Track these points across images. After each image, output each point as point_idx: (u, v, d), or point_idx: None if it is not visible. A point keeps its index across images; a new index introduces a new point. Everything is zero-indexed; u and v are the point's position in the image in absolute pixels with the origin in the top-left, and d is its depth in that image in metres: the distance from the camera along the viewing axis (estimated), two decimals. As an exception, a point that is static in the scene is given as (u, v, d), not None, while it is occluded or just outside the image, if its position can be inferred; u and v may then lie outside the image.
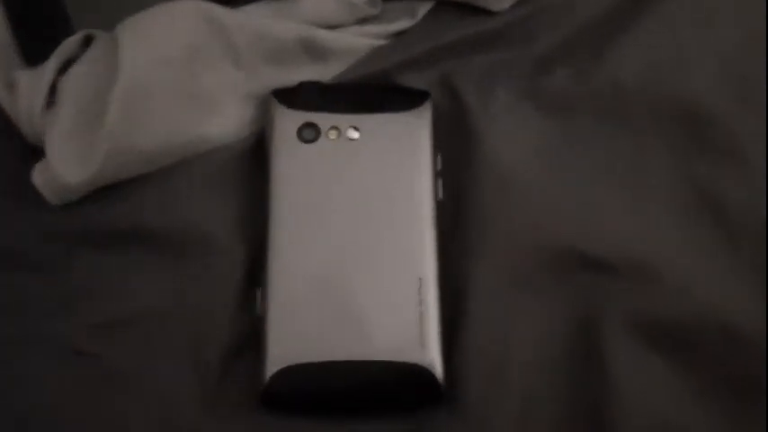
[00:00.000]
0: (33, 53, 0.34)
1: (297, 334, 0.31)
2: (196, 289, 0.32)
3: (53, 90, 0.33)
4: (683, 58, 0.35)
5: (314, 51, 0.35)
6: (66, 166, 0.31)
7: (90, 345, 0.31)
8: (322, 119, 0.34)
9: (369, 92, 0.35)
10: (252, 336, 0.31)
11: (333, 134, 0.34)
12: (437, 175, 0.33)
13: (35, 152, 0.33)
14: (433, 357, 0.31)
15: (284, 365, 0.30)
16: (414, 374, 0.30)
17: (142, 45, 0.32)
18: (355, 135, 0.34)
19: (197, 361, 0.31)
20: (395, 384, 0.31)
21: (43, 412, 0.30)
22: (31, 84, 0.32)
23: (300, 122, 0.34)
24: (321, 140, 0.34)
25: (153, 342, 0.31)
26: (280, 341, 0.31)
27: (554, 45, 0.36)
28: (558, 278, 0.32)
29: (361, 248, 0.32)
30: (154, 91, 0.32)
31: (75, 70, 0.32)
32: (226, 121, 0.34)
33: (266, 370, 0.30)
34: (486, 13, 0.36)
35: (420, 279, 0.32)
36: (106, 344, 0.31)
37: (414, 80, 0.35)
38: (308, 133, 0.34)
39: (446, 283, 0.32)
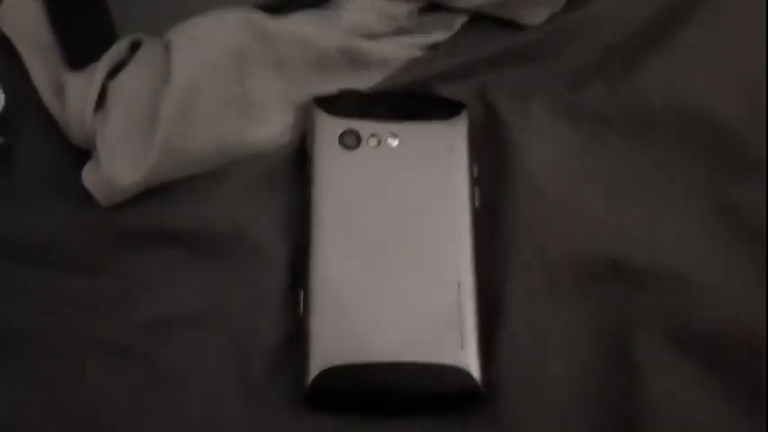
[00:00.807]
0: (78, 57, 0.35)
1: (339, 335, 0.31)
2: (239, 290, 0.32)
3: (103, 93, 0.33)
4: (711, 76, 0.36)
5: (354, 61, 0.36)
6: (117, 168, 0.32)
7: (135, 347, 0.31)
8: (362, 126, 0.34)
9: (407, 101, 0.36)
10: (295, 336, 0.32)
11: (373, 141, 0.34)
12: (474, 182, 0.34)
13: (81, 152, 0.34)
14: (472, 360, 0.31)
15: (327, 366, 0.31)
16: (453, 376, 0.31)
17: (194, 49, 0.33)
18: (395, 142, 0.35)
19: (241, 361, 0.31)
20: (434, 386, 0.31)
21: (87, 411, 0.30)
22: (81, 87, 0.33)
23: (341, 129, 0.34)
24: (362, 147, 0.34)
25: (197, 343, 0.32)
26: (322, 342, 0.31)
27: (586, 60, 0.36)
28: (590, 287, 0.33)
29: (401, 252, 0.33)
30: (204, 94, 0.33)
31: (127, 73, 0.33)
32: (269, 127, 0.35)
33: (310, 371, 0.31)
34: (521, 27, 0.37)
35: (459, 283, 0.32)
36: (151, 344, 0.31)
37: (449, 91, 0.36)
38: (349, 140, 0.34)
39: (484, 286, 0.32)
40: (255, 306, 0.32)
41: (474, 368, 0.31)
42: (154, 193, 0.33)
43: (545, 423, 0.31)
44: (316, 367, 0.31)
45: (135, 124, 0.32)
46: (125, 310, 0.32)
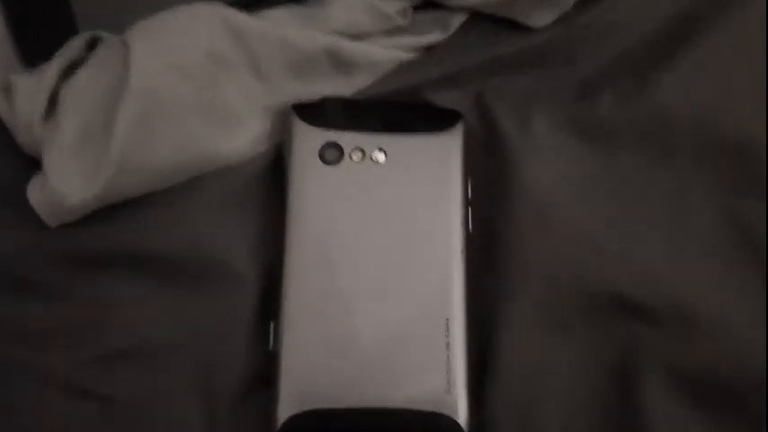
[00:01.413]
0: (33, 53, 0.31)
1: (312, 376, 0.28)
2: (206, 320, 0.30)
3: (54, 97, 0.30)
4: (730, 90, 0.33)
5: (339, 63, 0.32)
6: (66, 184, 0.29)
7: (92, 381, 0.29)
8: (346, 138, 0.31)
9: (397, 110, 0.32)
10: (265, 373, 0.29)
11: (357, 156, 0.31)
12: (468, 204, 0.31)
13: (33, 162, 0.30)
14: (459, 406, 0.28)
15: (298, 411, 0.28)
16: (438, 425, 0.28)
17: (155, 51, 0.29)
18: (381, 157, 0.31)
19: (206, 399, 0.29)
20: (417, 434, 0.28)
21: None
22: (31, 88, 0.29)
23: (322, 142, 0.31)
24: (344, 162, 0.31)
25: (159, 378, 0.29)
26: (293, 383, 0.28)
27: (596, 69, 0.33)
28: (594, 322, 0.30)
29: (385, 284, 0.30)
30: (167, 101, 0.29)
31: (81, 76, 0.30)
32: (243, 137, 0.31)
33: (278, 415, 0.28)
34: (525, 29, 0.34)
35: (447, 320, 0.29)
36: (109, 379, 0.29)
37: (445, 99, 0.33)
38: (331, 154, 0.31)
39: (475, 323, 0.30)
40: (224, 338, 0.30)
41: (461, 414, 0.28)
42: (114, 210, 0.30)
43: None
44: (285, 411, 0.28)
45: (88, 134, 0.29)
46: (81, 341, 0.29)
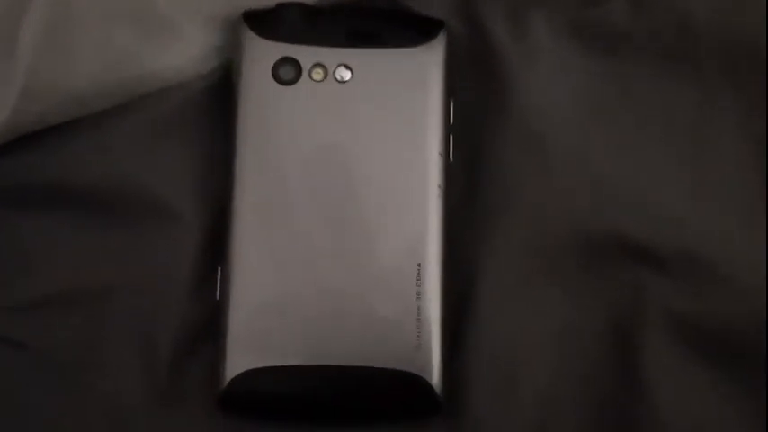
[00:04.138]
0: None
1: (263, 329, 0.25)
2: (143, 264, 0.26)
3: None
4: None
5: (299, -39, 0.28)
6: None
7: (12, 329, 0.26)
8: (304, 53, 0.27)
9: (366, 19, 0.28)
10: (212, 324, 0.26)
11: (317, 74, 0.27)
12: (448, 130, 0.27)
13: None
14: (430, 363, 0.25)
15: (246, 368, 0.25)
16: (406, 384, 0.25)
17: None
18: (346, 76, 0.27)
19: (144, 352, 0.26)
20: (383, 395, 0.25)
21: None
22: None
23: (277, 57, 0.27)
24: (302, 81, 0.27)
25: (90, 327, 0.26)
26: (242, 337, 0.25)
27: None
28: (592, 267, 0.27)
29: (348, 223, 0.26)
30: (82, 9, 0.25)
31: None
32: (183, 52, 0.27)
33: (225, 372, 0.25)
34: None
35: (419, 265, 0.26)
36: (33, 328, 0.26)
37: (426, 3, 0.28)
38: (286, 71, 0.27)
39: (452, 268, 0.26)
40: (164, 283, 0.26)
41: (433, 374, 0.25)
42: (30, 139, 0.26)
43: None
44: (233, 368, 0.25)
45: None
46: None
